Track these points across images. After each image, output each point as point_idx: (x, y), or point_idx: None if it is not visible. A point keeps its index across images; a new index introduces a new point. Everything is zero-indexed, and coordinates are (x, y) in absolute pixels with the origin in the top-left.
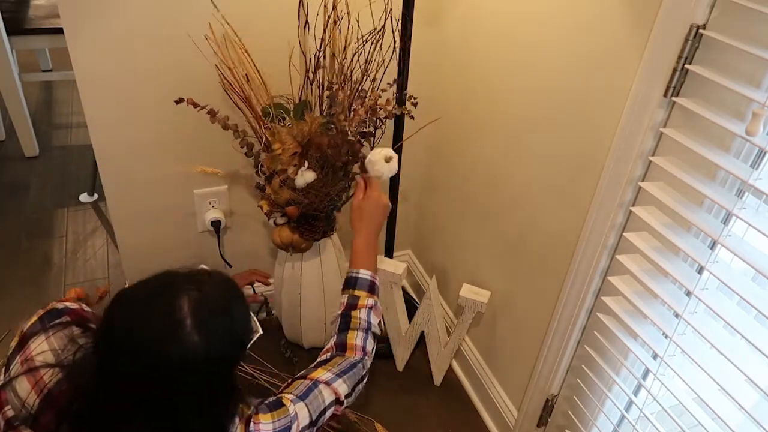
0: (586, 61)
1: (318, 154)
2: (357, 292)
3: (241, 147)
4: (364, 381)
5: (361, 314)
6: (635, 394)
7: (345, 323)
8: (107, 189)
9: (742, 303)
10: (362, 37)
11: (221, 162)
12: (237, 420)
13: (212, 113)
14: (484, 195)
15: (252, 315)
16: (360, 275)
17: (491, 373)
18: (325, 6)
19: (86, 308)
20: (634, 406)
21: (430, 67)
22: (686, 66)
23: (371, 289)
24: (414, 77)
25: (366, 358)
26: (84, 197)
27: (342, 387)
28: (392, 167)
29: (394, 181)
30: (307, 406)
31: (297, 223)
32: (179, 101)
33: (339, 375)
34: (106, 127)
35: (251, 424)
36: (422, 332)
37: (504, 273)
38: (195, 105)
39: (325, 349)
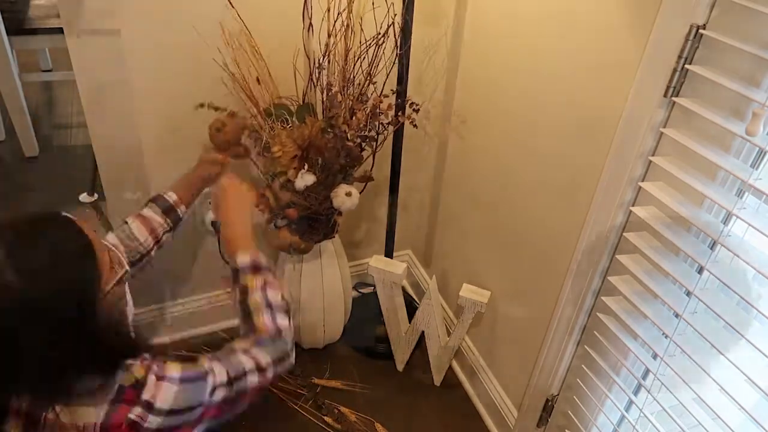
0: (585, 61)
1: (318, 157)
2: (242, 281)
3: (255, 146)
4: (290, 358)
5: (255, 297)
6: (635, 394)
7: (244, 312)
8: (107, 189)
9: (742, 303)
10: (365, 41)
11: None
12: (136, 364)
13: (232, 114)
14: (485, 195)
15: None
16: (238, 265)
17: (491, 373)
18: (329, 10)
19: None
20: (634, 406)
21: (430, 67)
22: (686, 66)
23: (254, 269)
24: (414, 77)
25: (283, 335)
26: (84, 197)
27: (261, 355)
28: (353, 201)
29: (393, 182)
30: (224, 366)
31: (297, 225)
32: (200, 106)
33: (256, 345)
34: (106, 127)
35: (154, 365)
36: (422, 332)
37: (504, 273)
38: (216, 108)
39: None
